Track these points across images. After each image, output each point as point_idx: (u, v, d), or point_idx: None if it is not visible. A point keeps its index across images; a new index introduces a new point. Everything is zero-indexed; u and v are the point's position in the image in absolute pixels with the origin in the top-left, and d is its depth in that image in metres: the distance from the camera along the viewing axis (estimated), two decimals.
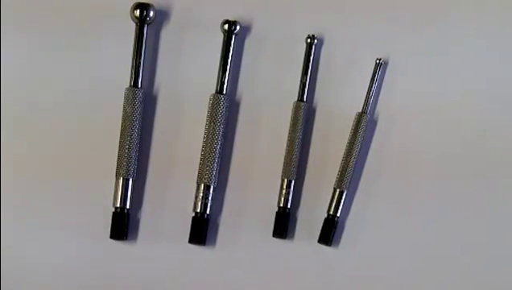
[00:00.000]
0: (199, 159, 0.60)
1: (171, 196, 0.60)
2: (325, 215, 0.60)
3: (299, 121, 0.60)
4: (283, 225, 0.59)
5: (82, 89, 0.61)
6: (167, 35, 0.62)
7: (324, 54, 0.62)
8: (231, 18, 0.60)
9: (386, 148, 0.61)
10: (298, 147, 0.60)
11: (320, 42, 0.62)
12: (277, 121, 0.61)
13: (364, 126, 0.60)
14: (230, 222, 0.60)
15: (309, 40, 0.61)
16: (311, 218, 0.60)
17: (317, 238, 0.59)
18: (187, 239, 0.59)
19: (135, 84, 0.60)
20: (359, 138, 0.59)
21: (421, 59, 0.61)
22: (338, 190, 0.60)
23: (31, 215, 0.60)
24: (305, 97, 0.61)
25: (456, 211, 0.60)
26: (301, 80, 0.61)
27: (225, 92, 0.60)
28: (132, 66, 0.60)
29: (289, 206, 0.60)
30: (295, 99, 0.61)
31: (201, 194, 0.59)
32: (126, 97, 0.59)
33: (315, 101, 0.61)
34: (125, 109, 0.59)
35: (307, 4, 0.62)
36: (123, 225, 0.59)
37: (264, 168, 0.61)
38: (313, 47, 0.61)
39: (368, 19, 0.62)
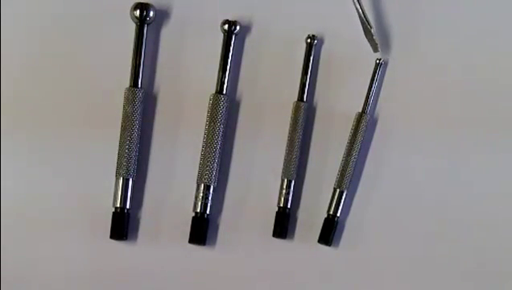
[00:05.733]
0: (199, 159, 0.60)
1: (171, 196, 0.60)
2: (325, 215, 0.60)
3: (299, 121, 0.60)
4: (283, 225, 0.59)
5: (82, 88, 0.61)
6: (167, 35, 0.62)
7: (324, 54, 0.62)
8: (231, 18, 0.61)
9: (386, 148, 0.61)
10: (298, 147, 0.60)
11: (320, 42, 0.62)
12: (277, 121, 0.61)
13: (364, 126, 0.60)
14: (230, 222, 0.60)
15: (309, 40, 0.61)
16: (311, 218, 0.60)
17: (317, 238, 0.59)
18: (187, 239, 0.59)
19: (135, 84, 0.60)
20: (359, 138, 0.59)
21: (421, 59, 0.61)
22: (338, 190, 0.60)
23: (31, 215, 0.60)
24: (305, 97, 0.61)
25: (457, 211, 0.60)
26: (301, 80, 0.61)
27: (225, 92, 0.60)
28: (132, 66, 0.60)
29: (289, 206, 0.60)
30: (295, 99, 0.61)
31: (201, 194, 0.59)
32: (126, 97, 0.59)
33: (315, 101, 0.61)
34: (125, 109, 0.59)
35: (307, 4, 0.62)
36: (123, 225, 0.59)
37: (264, 168, 0.61)
38: (313, 47, 0.61)
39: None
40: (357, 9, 0.58)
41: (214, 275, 0.60)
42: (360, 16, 0.58)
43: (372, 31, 0.58)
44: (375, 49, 0.59)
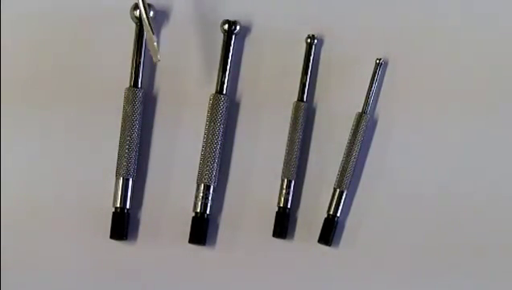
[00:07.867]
0: (199, 159, 0.60)
1: (171, 196, 0.60)
2: (325, 215, 0.60)
3: (299, 121, 0.60)
4: (283, 225, 0.59)
5: (82, 88, 0.61)
6: (167, 35, 0.62)
7: (324, 54, 0.62)
8: (231, 18, 0.61)
9: (386, 148, 0.61)
10: (298, 147, 0.60)
11: (320, 42, 0.62)
12: (277, 121, 0.61)
13: (364, 126, 0.60)
14: (230, 222, 0.60)
15: (309, 40, 0.61)
16: (311, 218, 0.60)
17: (317, 238, 0.59)
18: (187, 239, 0.59)
19: (135, 84, 0.60)
20: (359, 138, 0.59)
21: (421, 59, 0.61)
22: (338, 190, 0.60)
23: (32, 215, 0.60)
24: (305, 97, 0.61)
25: (457, 211, 0.60)
26: (301, 80, 0.61)
27: (224, 92, 0.60)
28: (132, 66, 0.60)
29: (289, 206, 0.60)
30: (295, 99, 0.61)
31: (201, 194, 0.59)
32: (126, 97, 0.59)
33: (315, 101, 0.61)
34: (125, 109, 0.59)
35: (307, 4, 0.62)
36: (123, 225, 0.59)
37: (264, 168, 0.61)
38: (313, 47, 0.61)
39: (368, 19, 0.62)
40: (141, 14, 0.56)
41: (214, 275, 0.60)
42: (144, 21, 0.56)
43: (154, 37, 0.56)
44: (155, 58, 0.56)
